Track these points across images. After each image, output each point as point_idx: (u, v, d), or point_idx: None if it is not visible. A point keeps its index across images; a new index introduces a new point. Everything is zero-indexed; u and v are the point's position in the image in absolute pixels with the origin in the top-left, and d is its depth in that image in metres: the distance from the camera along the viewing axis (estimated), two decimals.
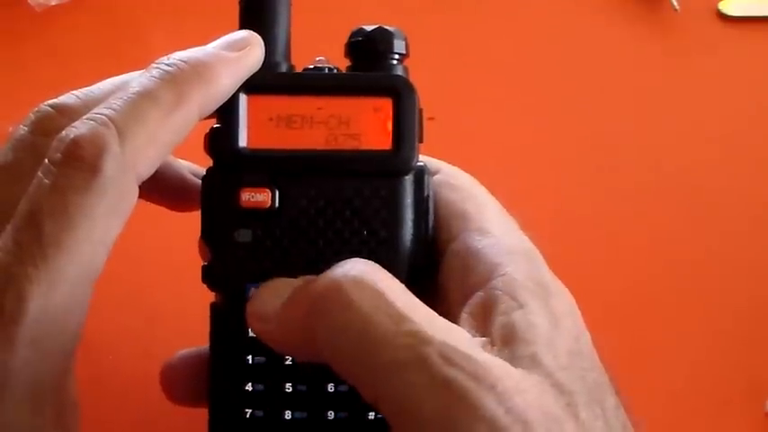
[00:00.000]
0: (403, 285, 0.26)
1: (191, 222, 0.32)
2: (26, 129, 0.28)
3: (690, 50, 0.51)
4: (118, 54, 0.48)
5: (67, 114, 0.27)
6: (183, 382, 0.31)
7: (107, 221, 0.25)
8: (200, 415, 0.33)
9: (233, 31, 0.30)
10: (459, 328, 0.26)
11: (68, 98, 0.28)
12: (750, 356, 0.44)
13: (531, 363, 0.25)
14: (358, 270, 0.26)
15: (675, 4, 0.51)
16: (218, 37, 0.29)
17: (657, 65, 0.50)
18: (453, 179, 0.31)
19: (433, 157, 0.32)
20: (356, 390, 0.25)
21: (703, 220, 0.47)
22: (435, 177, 0.31)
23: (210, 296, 0.30)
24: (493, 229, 0.29)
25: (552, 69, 0.50)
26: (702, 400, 0.44)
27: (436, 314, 0.26)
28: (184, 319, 0.41)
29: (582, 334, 0.27)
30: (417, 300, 0.26)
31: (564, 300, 0.28)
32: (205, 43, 0.29)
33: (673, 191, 0.48)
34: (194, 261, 0.33)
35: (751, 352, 0.45)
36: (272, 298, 0.28)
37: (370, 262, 0.27)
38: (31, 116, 0.28)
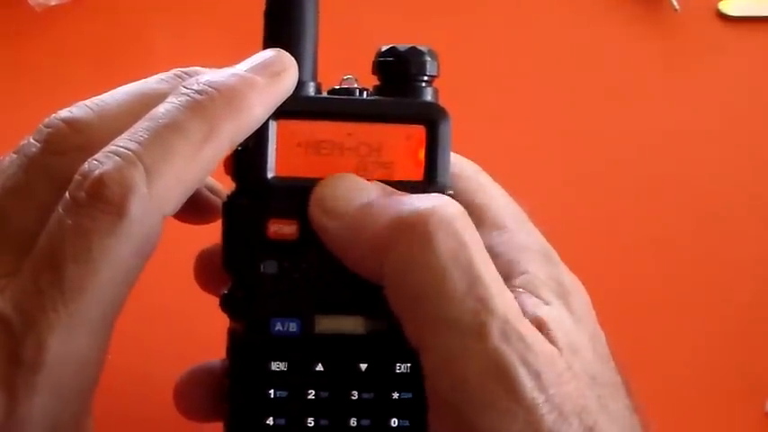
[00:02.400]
0: (481, 240, 0.26)
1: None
2: (37, 146, 0.26)
3: (690, 50, 0.51)
4: (118, 54, 0.48)
5: (81, 130, 0.26)
6: (197, 400, 0.31)
7: (131, 263, 0.24)
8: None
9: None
10: (518, 306, 0.26)
11: (80, 110, 0.26)
12: (750, 356, 0.44)
13: (570, 355, 0.25)
14: (450, 212, 0.25)
15: (675, 4, 0.51)
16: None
17: (657, 65, 0.50)
18: (458, 169, 0.30)
19: None
20: (400, 324, 0.25)
21: (703, 220, 0.47)
22: None
23: (208, 297, 0.30)
24: (507, 222, 0.29)
25: (552, 69, 0.50)
26: (702, 400, 0.44)
27: (503, 282, 0.26)
28: (184, 318, 0.41)
29: (599, 333, 0.28)
30: (491, 261, 0.25)
31: (582, 299, 0.28)
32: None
33: (672, 190, 0.48)
34: (194, 261, 0.33)
35: (751, 352, 0.45)
36: (347, 194, 0.27)
37: (459, 205, 0.26)
38: (43, 130, 0.26)
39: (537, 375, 0.24)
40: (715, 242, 0.47)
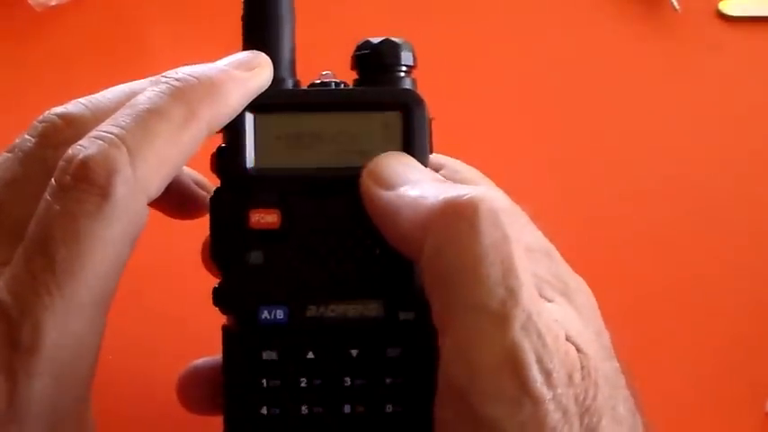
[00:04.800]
0: (523, 236, 0.26)
1: (190, 222, 0.32)
2: (33, 141, 0.27)
3: (690, 50, 0.51)
4: (117, 54, 0.48)
5: (75, 125, 0.26)
6: (199, 394, 0.31)
7: (119, 245, 0.25)
8: (200, 417, 0.33)
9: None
10: (549, 308, 0.26)
11: (75, 107, 0.27)
12: (750, 357, 0.44)
13: (582, 354, 0.25)
14: (499, 203, 0.25)
15: (675, 4, 0.51)
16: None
17: (657, 65, 0.50)
18: (459, 174, 0.31)
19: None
20: (427, 301, 0.26)
21: (703, 221, 0.47)
22: (440, 173, 0.30)
23: (207, 297, 0.30)
24: None
25: (552, 69, 0.50)
26: (703, 400, 0.44)
27: (533, 280, 0.26)
28: (185, 318, 0.41)
29: (605, 332, 0.28)
30: (527, 259, 0.26)
31: (586, 297, 0.28)
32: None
33: (673, 191, 0.48)
34: (194, 261, 0.33)
35: (751, 352, 0.45)
36: (402, 168, 0.27)
37: (509, 199, 0.27)
38: (37, 126, 0.27)
39: (548, 373, 0.24)
40: (715, 242, 0.47)
